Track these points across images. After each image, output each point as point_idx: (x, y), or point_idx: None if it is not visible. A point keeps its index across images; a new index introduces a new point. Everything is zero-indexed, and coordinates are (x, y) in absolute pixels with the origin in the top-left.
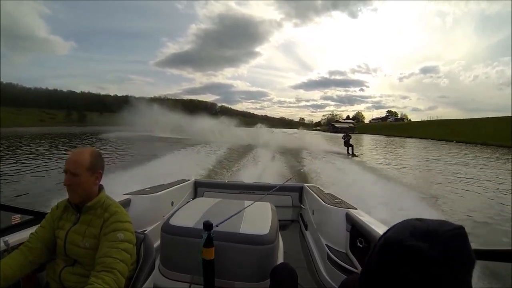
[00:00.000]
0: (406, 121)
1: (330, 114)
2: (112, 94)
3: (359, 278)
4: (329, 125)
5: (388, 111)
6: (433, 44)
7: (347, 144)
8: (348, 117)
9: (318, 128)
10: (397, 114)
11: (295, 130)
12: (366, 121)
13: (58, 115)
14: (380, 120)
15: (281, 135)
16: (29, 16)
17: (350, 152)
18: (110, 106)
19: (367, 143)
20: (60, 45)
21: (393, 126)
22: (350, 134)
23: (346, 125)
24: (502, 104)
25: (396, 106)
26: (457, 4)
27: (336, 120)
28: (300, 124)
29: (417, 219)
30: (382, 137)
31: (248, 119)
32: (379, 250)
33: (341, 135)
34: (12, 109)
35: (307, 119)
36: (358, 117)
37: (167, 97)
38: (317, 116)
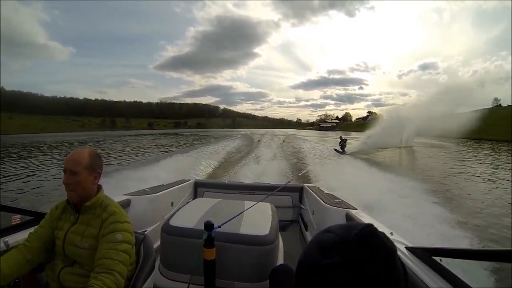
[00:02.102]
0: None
1: (324, 114)
2: (113, 99)
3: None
4: (318, 124)
5: (368, 112)
6: (431, 40)
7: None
8: (337, 117)
9: (311, 127)
10: (376, 114)
11: (293, 130)
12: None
13: (82, 120)
14: (361, 120)
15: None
16: (28, 23)
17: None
18: (124, 112)
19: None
20: (59, 51)
21: (368, 124)
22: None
23: (329, 125)
24: (501, 98)
25: (396, 103)
26: None
27: (324, 120)
28: (297, 124)
29: (325, 231)
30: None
31: (251, 121)
32: (296, 277)
33: (326, 132)
34: (39, 116)
35: (307, 118)
36: (346, 117)
37: (172, 101)
38: (317, 116)
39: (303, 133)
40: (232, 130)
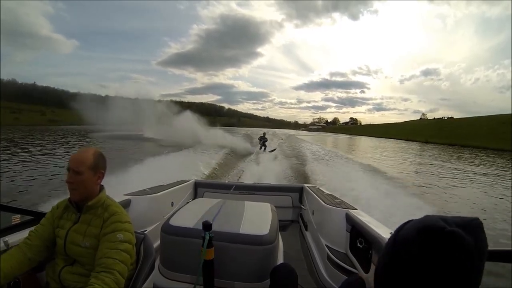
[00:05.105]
0: (358, 124)
1: (318, 118)
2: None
3: (378, 268)
4: (308, 126)
5: (350, 118)
6: (434, 46)
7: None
8: (327, 121)
9: (303, 128)
10: (356, 120)
11: (292, 130)
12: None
13: None
14: (345, 124)
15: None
16: (33, 15)
17: (263, 150)
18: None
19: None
20: (63, 43)
21: (347, 127)
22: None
23: (316, 127)
24: (502, 106)
25: (397, 108)
26: (457, 6)
27: (313, 123)
28: (294, 125)
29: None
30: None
31: (253, 121)
32: (417, 237)
33: (313, 132)
34: (70, 110)
35: (307, 120)
36: (335, 121)
37: (181, 100)
38: (312, 119)
39: (292, 132)
40: (249, 129)
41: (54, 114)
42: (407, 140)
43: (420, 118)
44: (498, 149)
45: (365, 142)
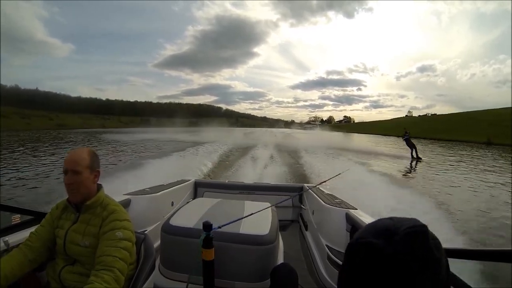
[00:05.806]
0: (351, 122)
1: (314, 116)
2: (115, 98)
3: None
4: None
5: (344, 116)
6: (429, 42)
7: (409, 144)
8: (322, 120)
9: (299, 127)
10: (350, 118)
11: (288, 129)
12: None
13: (121, 119)
14: (338, 122)
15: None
16: (27, 19)
17: (414, 155)
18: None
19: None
20: (59, 47)
21: (341, 125)
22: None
23: (310, 125)
24: (499, 101)
25: (394, 105)
26: (452, 2)
27: (308, 122)
28: (291, 124)
29: (389, 218)
30: (327, 132)
31: (251, 121)
32: (346, 249)
33: (308, 131)
34: (74, 115)
35: (304, 119)
36: (330, 120)
37: (179, 102)
38: (308, 117)
39: (288, 131)
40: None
41: (59, 118)
42: (384, 135)
43: (406, 116)
44: (453, 140)
45: (358, 138)
